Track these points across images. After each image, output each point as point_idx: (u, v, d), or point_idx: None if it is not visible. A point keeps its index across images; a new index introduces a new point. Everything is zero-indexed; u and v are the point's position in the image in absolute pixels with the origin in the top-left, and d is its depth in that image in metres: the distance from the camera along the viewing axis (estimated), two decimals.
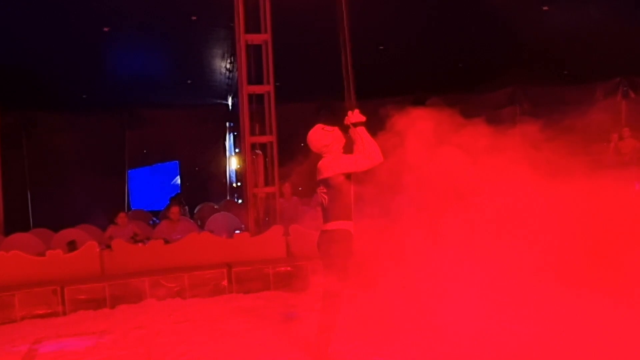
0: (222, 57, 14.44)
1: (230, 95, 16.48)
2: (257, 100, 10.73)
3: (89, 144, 15.49)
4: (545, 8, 13.29)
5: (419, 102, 12.80)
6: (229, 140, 17.83)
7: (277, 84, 10.86)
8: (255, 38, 10.48)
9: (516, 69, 14.14)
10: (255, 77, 10.62)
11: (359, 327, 6.59)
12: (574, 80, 14.71)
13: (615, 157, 13.50)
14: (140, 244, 9.83)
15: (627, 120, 14.38)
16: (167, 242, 9.81)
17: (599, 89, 14.73)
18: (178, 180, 18.27)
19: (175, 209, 11.10)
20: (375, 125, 6.75)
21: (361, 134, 5.80)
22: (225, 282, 9.08)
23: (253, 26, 10.56)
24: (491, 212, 6.62)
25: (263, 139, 10.65)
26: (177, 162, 18.26)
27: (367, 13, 11.19)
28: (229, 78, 15.20)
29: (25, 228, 12.26)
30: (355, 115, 5.87)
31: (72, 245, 9.71)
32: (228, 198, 17.23)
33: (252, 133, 10.58)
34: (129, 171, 17.13)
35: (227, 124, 17.57)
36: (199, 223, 12.73)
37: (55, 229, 11.25)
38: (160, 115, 16.09)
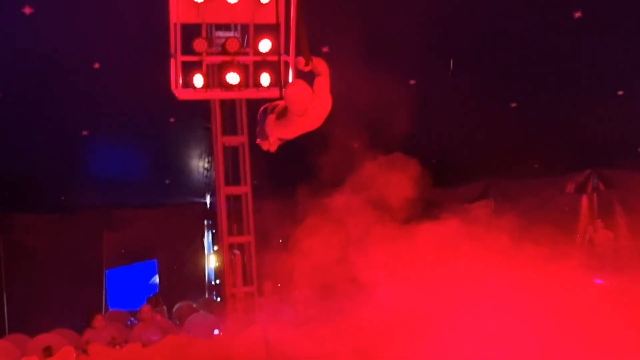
0: (200, 157, 14.69)
1: (208, 194, 16.62)
2: (234, 199, 10.90)
3: (67, 246, 15.43)
4: (513, 105, 13.75)
5: None
6: (207, 238, 17.86)
7: (255, 182, 11.07)
8: (232, 140, 10.73)
9: (488, 163, 14.50)
10: (233, 178, 10.82)
11: None
12: (545, 174, 15.03)
13: (589, 248, 13.76)
14: (117, 347, 9.73)
15: (599, 212, 14.68)
16: (145, 345, 9.72)
17: (570, 182, 15.06)
18: (156, 279, 18.15)
19: (145, 309, 11.03)
20: None
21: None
22: None
23: (230, 128, 10.83)
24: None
25: (241, 239, 10.76)
26: (156, 260, 18.16)
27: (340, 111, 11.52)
28: (206, 177, 15.39)
29: (1, 333, 12.09)
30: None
31: (47, 351, 9.56)
32: (207, 296, 17.12)
33: (230, 233, 10.70)
34: (107, 271, 17.01)
35: (205, 222, 17.64)
36: (177, 322, 12.63)
37: (32, 332, 11.10)
38: (138, 215, 16.13)
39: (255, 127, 10.36)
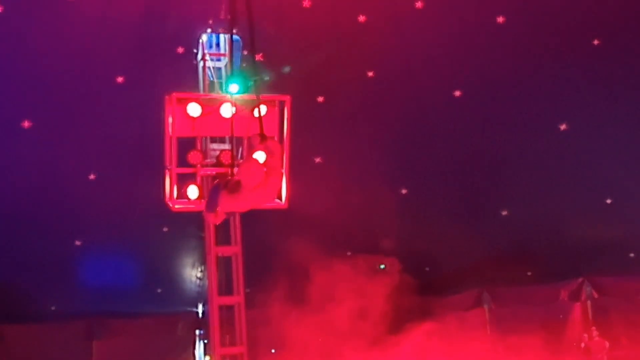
0: (193, 266, 14.66)
1: (200, 303, 16.46)
2: (227, 308, 10.82)
3: (57, 356, 15.16)
4: (504, 213, 13.90)
5: None
6: (198, 348, 17.54)
7: (248, 290, 11.04)
8: (226, 250, 10.75)
9: (481, 271, 14.49)
10: (226, 288, 10.78)
11: None
12: (538, 281, 15.01)
13: (585, 357, 13.64)
14: None
15: (594, 320, 14.56)
16: None
17: (563, 290, 14.98)
18: None
19: None
20: None
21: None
22: None
23: (223, 238, 10.86)
24: None
25: (234, 350, 10.62)
26: None
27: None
28: (199, 286, 15.30)
29: None
30: None
31: None
32: None
33: (222, 344, 10.57)
34: None
35: (197, 332, 17.37)
36: None
37: None
38: (129, 325, 15.89)
39: (249, 238, 10.48)
